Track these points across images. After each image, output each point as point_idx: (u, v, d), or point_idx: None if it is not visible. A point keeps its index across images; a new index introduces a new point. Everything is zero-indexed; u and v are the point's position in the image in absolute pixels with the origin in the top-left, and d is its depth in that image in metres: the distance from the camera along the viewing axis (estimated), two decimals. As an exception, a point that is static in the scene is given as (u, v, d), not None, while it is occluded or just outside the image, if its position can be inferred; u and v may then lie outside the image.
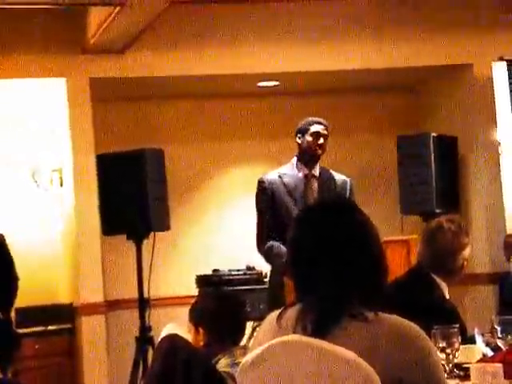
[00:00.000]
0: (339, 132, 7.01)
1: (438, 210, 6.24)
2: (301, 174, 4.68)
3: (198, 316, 3.01)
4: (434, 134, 6.48)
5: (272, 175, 4.71)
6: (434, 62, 6.54)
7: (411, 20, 6.45)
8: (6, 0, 5.20)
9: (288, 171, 4.70)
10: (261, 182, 4.70)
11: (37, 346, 6.04)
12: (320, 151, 4.64)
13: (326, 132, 4.65)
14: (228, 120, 7.07)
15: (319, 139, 4.63)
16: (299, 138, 4.69)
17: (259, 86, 6.82)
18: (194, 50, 6.16)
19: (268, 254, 4.62)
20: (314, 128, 4.64)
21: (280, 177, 4.67)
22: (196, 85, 6.59)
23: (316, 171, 4.70)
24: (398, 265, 4.39)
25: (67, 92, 6.09)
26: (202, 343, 2.98)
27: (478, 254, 6.25)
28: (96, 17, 5.63)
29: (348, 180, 4.77)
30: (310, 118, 4.71)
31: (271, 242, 4.57)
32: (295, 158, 4.74)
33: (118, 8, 5.14)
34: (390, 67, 6.50)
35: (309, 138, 4.63)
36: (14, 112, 6.40)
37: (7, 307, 5.24)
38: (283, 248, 4.46)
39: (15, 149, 6.41)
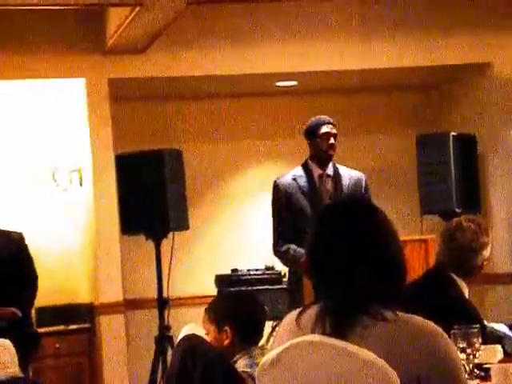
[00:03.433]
0: (358, 131, 7.01)
1: (457, 210, 6.21)
2: (315, 175, 4.67)
3: (225, 315, 3.01)
4: (453, 133, 6.45)
5: (286, 178, 4.69)
6: (454, 60, 6.50)
7: (429, 18, 6.42)
8: (25, 1, 5.22)
9: (302, 173, 4.68)
10: (275, 187, 4.69)
11: (57, 345, 6.07)
12: (332, 151, 4.63)
13: (334, 130, 4.63)
14: (246, 120, 7.07)
15: (329, 139, 4.61)
16: (309, 139, 4.68)
17: (277, 86, 6.81)
18: (212, 50, 6.16)
19: (285, 258, 4.62)
20: (323, 129, 4.61)
21: (294, 179, 4.65)
22: (214, 84, 6.60)
23: (330, 170, 4.68)
24: (416, 264, 4.38)
25: (86, 92, 6.11)
26: (226, 342, 2.98)
27: (498, 254, 6.21)
28: (115, 17, 5.65)
29: (363, 176, 4.75)
30: (317, 119, 4.67)
31: (288, 245, 4.56)
32: (308, 159, 4.73)
33: (136, 9, 5.15)
34: (410, 66, 6.47)
35: (319, 141, 4.61)
36: (33, 112, 6.44)
37: (27, 306, 5.27)
38: (299, 251, 4.44)
39: (35, 149, 6.44)
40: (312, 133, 4.62)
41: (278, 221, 4.64)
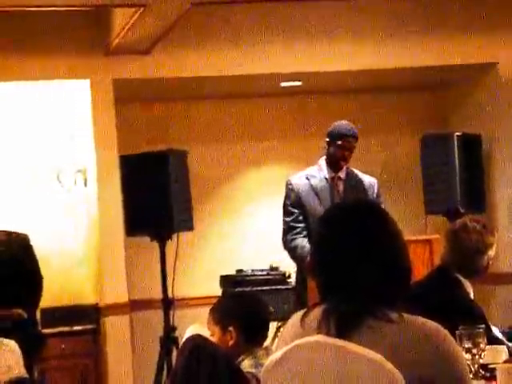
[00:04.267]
0: (363, 132, 6.98)
1: (462, 209, 6.21)
2: (327, 176, 4.70)
3: (228, 315, 3.01)
4: (457, 133, 6.45)
5: (299, 177, 4.75)
6: (459, 60, 6.49)
7: (435, 19, 6.41)
8: (28, 3, 5.23)
9: (315, 173, 4.73)
10: (288, 184, 4.75)
11: (62, 346, 6.07)
12: (343, 163, 4.67)
13: (353, 144, 4.65)
14: (251, 120, 7.07)
15: (344, 153, 4.65)
16: (328, 142, 4.71)
17: (282, 86, 6.81)
18: (217, 50, 6.17)
19: (292, 253, 4.66)
20: (342, 142, 4.63)
21: (307, 179, 4.71)
22: (219, 85, 6.60)
23: (342, 173, 4.73)
24: (420, 264, 4.38)
25: (91, 93, 6.12)
26: (231, 343, 2.98)
27: (503, 254, 6.20)
28: (119, 18, 5.66)
29: (375, 181, 4.79)
30: (341, 127, 4.68)
31: (296, 241, 4.59)
32: (323, 159, 4.76)
33: (140, 9, 5.16)
34: (414, 66, 6.46)
35: (335, 149, 4.65)
36: (38, 113, 6.45)
37: (32, 307, 5.28)
38: (306, 250, 4.46)
39: (39, 150, 6.45)
40: (332, 138, 4.67)
41: (288, 214, 4.69)
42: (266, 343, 3.12)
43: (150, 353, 5.80)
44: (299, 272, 4.73)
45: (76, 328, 6.19)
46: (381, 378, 1.71)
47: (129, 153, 5.63)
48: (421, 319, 1.81)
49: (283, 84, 6.75)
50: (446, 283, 3.34)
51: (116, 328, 6.03)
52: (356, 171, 4.80)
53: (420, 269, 4.10)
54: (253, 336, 3.02)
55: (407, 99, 7.25)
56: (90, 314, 6.21)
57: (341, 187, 4.72)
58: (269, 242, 6.14)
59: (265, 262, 6.29)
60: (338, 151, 4.64)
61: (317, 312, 1.86)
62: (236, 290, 5.88)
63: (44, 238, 6.10)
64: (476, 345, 2.54)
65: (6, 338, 3.99)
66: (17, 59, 5.92)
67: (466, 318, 2.90)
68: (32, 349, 4.81)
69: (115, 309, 6.01)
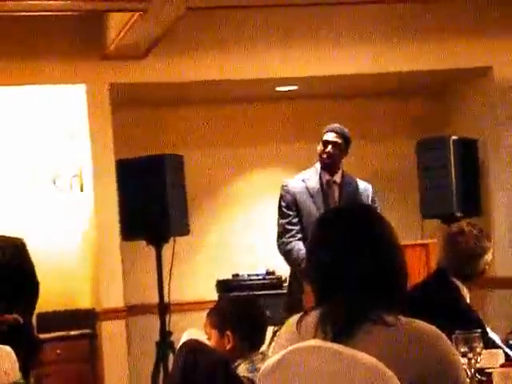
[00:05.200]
0: (358, 136, 7.00)
1: (458, 213, 6.22)
2: (323, 179, 4.70)
3: (226, 319, 3.01)
4: (453, 137, 6.46)
5: (295, 180, 4.75)
6: (455, 65, 6.51)
7: (430, 23, 6.43)
8: (26, 7, 5.23)
9: (311, 176, 4.73)
10: (284, 187, 4.74)
11: (58, 351, 6.06)
12: (328, 160, 4.64)
13: (336, 140, 4.64)
14: (247, 124, 7.08)
15: (327, 147, 4.64)
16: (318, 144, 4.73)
17: (277, 91, 6.82)
18: (213, 55, 6.17)
19: (287, 257, 4.66)
20: (325, 136, 4.67)
21: (303, 181, 4.70)
22: (215, 90, 6.61)
23: (337, 177, 4.72)
24: (417, 269, 4.38)
25: (87, 98, 6.12)
26: (228, 346, 2.98)
27: (498, 258, 6.21)
28: (115, 23, 5.66)
29: (370, 186, 4.78)
30: (328, 126, 4.72)
31: (292, 244, 4.59)
32: (319, 164, 4.76)
33: (136, 14, 5.16)
34: (410, 71, 6.48)
35: (320, 146, 4.67)
36: (35, 118, 6.45)
37: (28, 312, 5.27)
38: (302, 253, 4.46)
39: (36, 154, 6.45)
40: (321, 137, 4.69)
41: (283, 216, 4.68)
42: (263, 348, 3.12)
43: (146, 357, 5.80)
44: (294, 276, 4.73)
45: (72, 333, 6.18)
46: (377, 383, 1.70)
47: (125, 157, 5.63)
48: (417, 322, 1.81)
49: (279, 88, 6.76)
50: (442, 287, 3.34)
51: (112, 333, 6.02)
52: (352, 176, 4.80)
53: (416, 273, 4.10)
54: (249, 340, 3.01)
55: (403, 103, 7.26)
56: (86, 319, 6.20)
57: (336, 191, 4.72)
58: (265, 247, 6.14)
59: (261, 266, 6.29)
60: (321, 148, 4.66)
61: (313, 316, 1.86)
62: (232, 294, 5.88)
63: (40, 242, 6.10)
64: (472, 349, 2.54)
65: (1, 342, 3.98)
66: (12, 64, 5.92)
67: (462, 322, 2.91)
68: (28, 354, 4.80)
69: (112, 313, 6.01)
